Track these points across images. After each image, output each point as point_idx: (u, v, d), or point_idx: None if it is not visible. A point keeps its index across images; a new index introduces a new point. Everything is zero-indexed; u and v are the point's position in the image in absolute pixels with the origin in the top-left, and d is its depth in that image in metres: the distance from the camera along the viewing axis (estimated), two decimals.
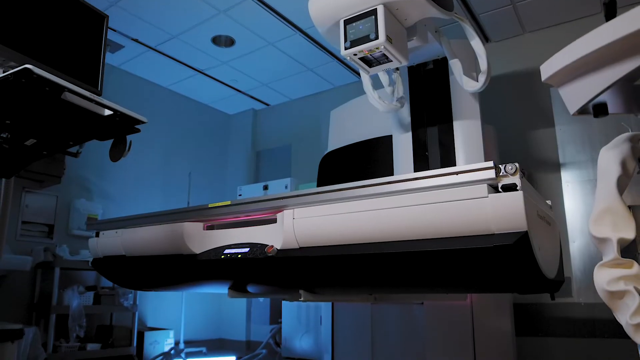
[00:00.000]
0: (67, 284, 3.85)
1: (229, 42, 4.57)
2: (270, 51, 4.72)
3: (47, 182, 3.66)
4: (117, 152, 1.54)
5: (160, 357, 4.02)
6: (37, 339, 3.33)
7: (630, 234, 1.51)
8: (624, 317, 1.42)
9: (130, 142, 1.54)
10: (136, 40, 4.52)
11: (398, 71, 2.63)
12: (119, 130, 1.49)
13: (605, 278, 1.46)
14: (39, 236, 4.07)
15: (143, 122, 1.44)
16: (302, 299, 1.94)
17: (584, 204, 3.72)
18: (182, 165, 5.45)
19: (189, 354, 4.09)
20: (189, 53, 4.78)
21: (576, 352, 3.41)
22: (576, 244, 3.66)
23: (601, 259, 1.51)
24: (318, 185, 3.74)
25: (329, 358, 3.50)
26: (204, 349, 4.69)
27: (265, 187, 5.17)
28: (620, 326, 1.36)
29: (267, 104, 6.12)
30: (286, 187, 5.04)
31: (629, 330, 1.41)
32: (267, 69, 5.12)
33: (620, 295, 1.44)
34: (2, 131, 1.38)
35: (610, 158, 1.65)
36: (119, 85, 4.86)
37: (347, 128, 3.75)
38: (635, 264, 1.47)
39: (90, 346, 3.82)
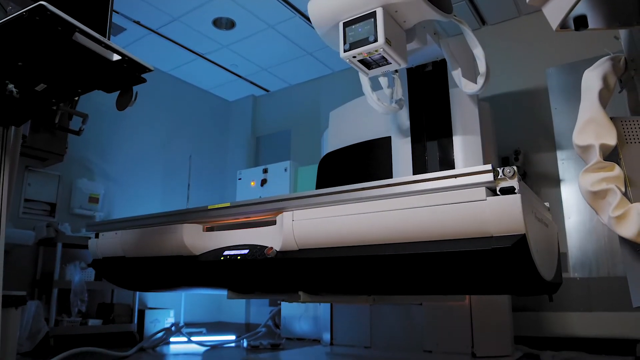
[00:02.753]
0: (69, 261, 3.89)
1: (230, 24, 4.52)
2: (270, 34, 4.68)
3: (50, 160, 3.68)
4: (124, 101, 1.56)
5: (162, 333, 4.08)
6: (39, 313, 3.38)
7: (611, 140, 1.60)
8: (606, 213, 1.51)
9: (137, 92, 1.56)
10: (138, 23, 4.46)
11: (397, 73, 2.62)
12: (126, 79, 1.50)
13: (589, 181, 1.55)
14: (41, 214, 4.10)
15: (150, 70, 1.45)
16: (301, 300, 1.96)
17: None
18: (182, 149, 5.45)
19: (189, 334, 4.16)
20: (190, 36, 4.73)
21: (572, 327, 3.47)
22: (572, 220, 3.70)
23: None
24: (317, 187, 3.74)
25: (328, 338, 3.56)
26: (203, 330, 4.76)
27: (265, 171, 5.18)
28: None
29: (267, 90, 6.06)
30: (285, 170, 5.04)
31: (612, 224, 1.49)
32: (267, 53, 5.07)
33: (603, 194, 1.52)
34: (14, 77, 1.40)
35: (593, 75, 1.73)
36: None
37: (346, 129, 3.72)
38: (617, 167, 1.55)
39: (92, 321, 3.85)
